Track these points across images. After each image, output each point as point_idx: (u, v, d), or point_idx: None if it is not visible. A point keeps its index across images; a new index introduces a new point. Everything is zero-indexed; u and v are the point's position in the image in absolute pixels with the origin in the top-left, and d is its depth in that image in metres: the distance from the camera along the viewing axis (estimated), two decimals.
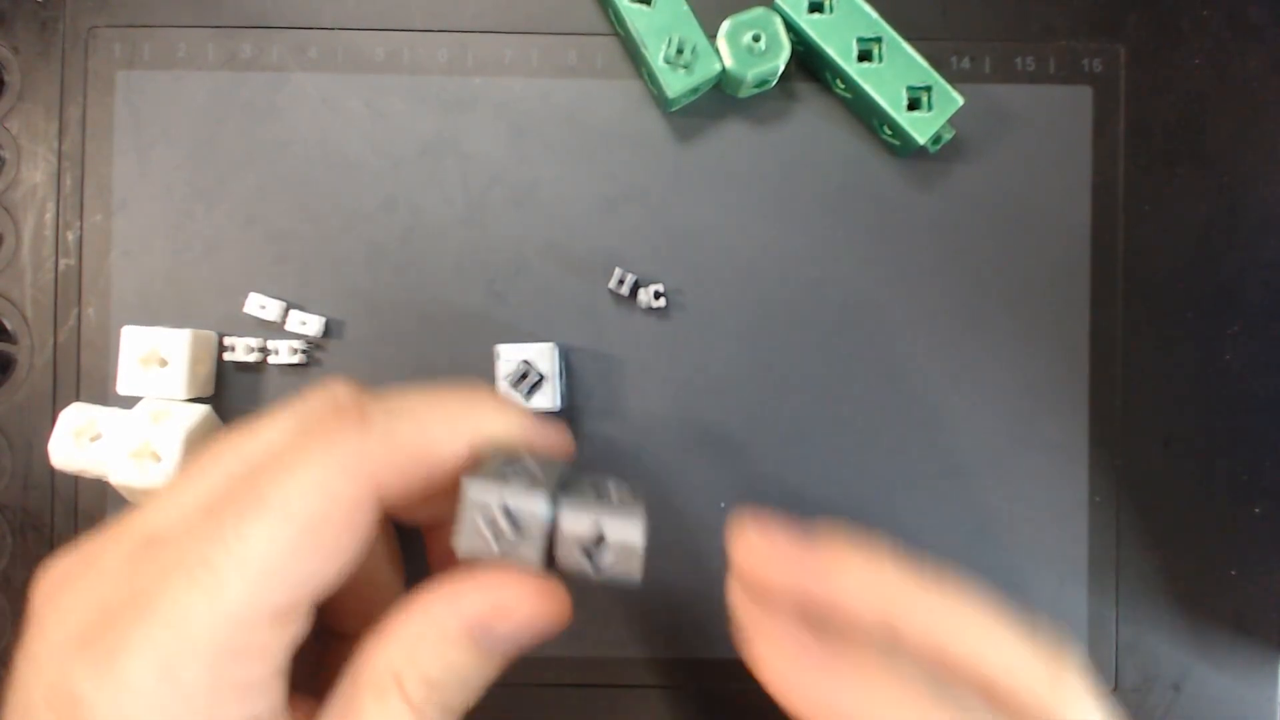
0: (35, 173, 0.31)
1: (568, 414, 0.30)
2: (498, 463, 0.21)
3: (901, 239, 0.31)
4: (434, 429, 0.21)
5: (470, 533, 0.20)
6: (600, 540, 0.20)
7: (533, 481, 0.21)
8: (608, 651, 0.30)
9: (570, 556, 0.20)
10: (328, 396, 0.21)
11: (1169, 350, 0.31)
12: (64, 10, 0.31)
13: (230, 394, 0.30)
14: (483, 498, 0.20)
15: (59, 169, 0.31)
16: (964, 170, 0.31)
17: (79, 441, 0.28)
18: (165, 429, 0.27)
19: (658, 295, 0.30)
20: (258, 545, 0.18)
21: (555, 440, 0.24)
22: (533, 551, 0.20)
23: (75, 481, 0.30)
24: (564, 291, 0.31)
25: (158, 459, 0.27)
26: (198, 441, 0.28)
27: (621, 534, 0.20)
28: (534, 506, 0.20)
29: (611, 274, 0.30)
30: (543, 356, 0.28)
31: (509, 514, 0.20)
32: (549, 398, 0.28)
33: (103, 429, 0.28)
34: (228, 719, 0.18)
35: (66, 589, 0.20)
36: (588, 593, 0.30)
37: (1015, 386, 0.31)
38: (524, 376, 0.28)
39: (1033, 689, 0.21)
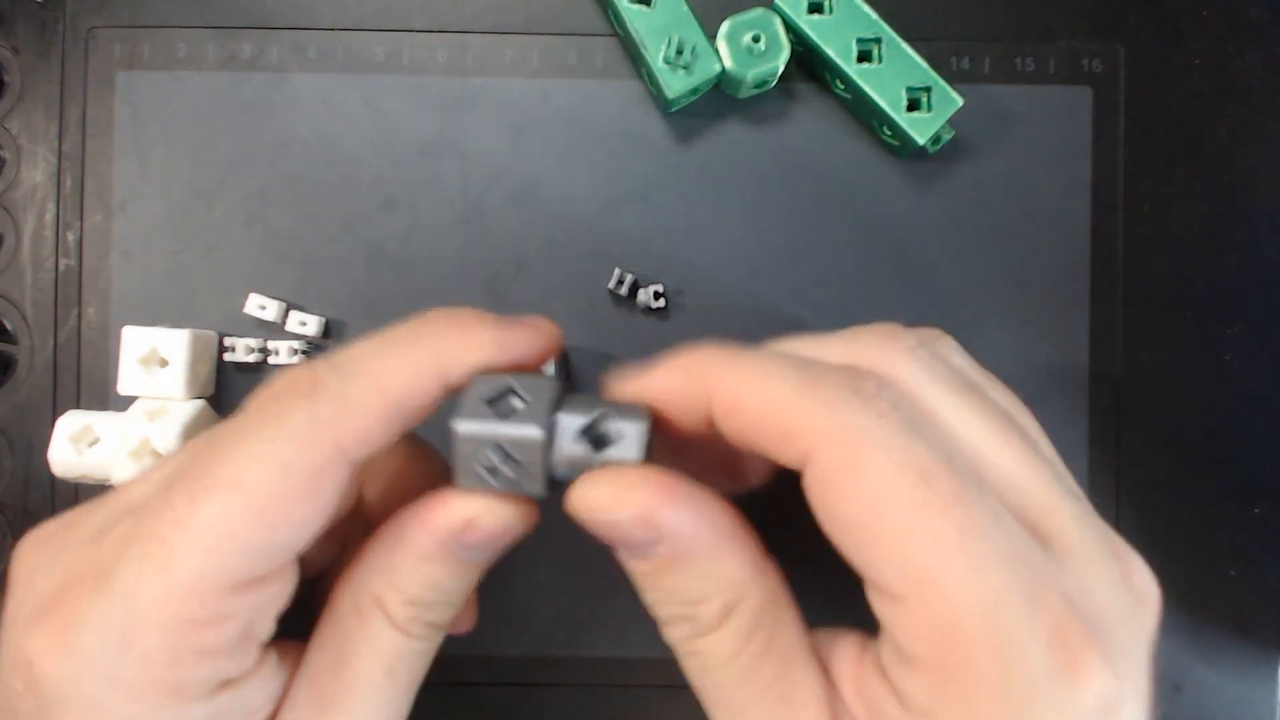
0: (35, 173, 0.31)
1: None
2: (482, 394, 0.20)
3: (901, 239, 0.31)
4: (391, 380, 0.20)
5: (468, 474, 0.20)
6: (601, 433, 0.20)
7: (523, 411, 0.20)
8: (611, 651, 0.30)
9: (567, 452, 0.20)
10: (284, 373, 0.20)
11: (1169, 350, 0.31)
12: (64, 10, 0.31)
13: (230, 394, 0.30)
14: (473, 440, 0.20)
15: (59, 169, 0.31)
16: (964, 170, 0.31)
17: (78, 447, 0.28)
18: (162, 426, 0.27)
19: (657, 295, 0.30)
20: (208, 520, 0.18)
21: (530, 344, 0.22)
22: (535, 482, 0.20)
23: (76, 483, 0.30)
24: (564, 292, 0.31)
25: (158, 456, 0.27)
26: (195, 436, 0.28)
27: (624, 419, 0.20)
28: (528, 438, 0.19)
29: (611, 274, 0.30)
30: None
31: (504, 451, 0.20)
32: None
33: (100, 433, 0.28)
34: (191, 683, 0.19)
35: (39, 555, 0.20)
36: (593, 594, 0.30)
37: (1015, 386, 0.31)
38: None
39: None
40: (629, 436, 0.20)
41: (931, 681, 0.17)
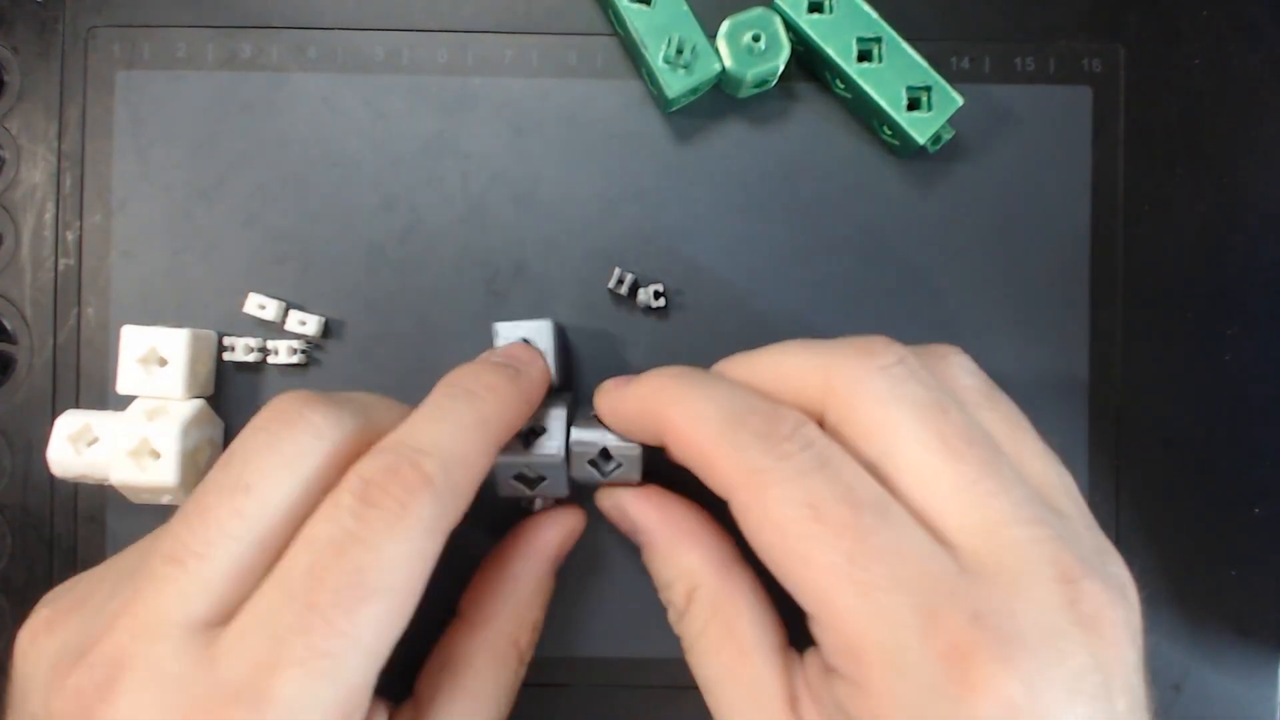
0: (35, 173, 0.31)
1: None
2: (514, 472, 0.26)
3: (901, 239, 0.31)
4: (476, 462, 0.23)
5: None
6: (606, 454, 0.26)
7: (547, 484, 0.26)
8: (612, 652, 0.30)
9: (581, 468, 0.26)
10: (377, 464, 0.21)
11: (1169, 350, 0.31)
12: (64, 10, 0.31)
13: (230, 394, 0.30)
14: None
15: (59, 169, 0.31)
16: (964, 170, 0.31)
17: (76, 447, 0.28)
18: (161, 425, 0.27)
19: (657, 295, 0.30)
20: (369, 626, 0.20)
21: (536, 388, 0.26)
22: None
23: (75, 482, 0.30)
24: (564, 292, 0.31)
25: (157, 455, 0.27)
26: (194, 436, 0.28)
27: (625, 443, 0.26)
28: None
29: (611, 274, 0.30)
30: (540, 334, 0.28)
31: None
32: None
33: (99, 432, 0.28)
34: None
35: (145, 694, 0.19)
36: (594, 595, 0.30)
37: (1014, 387, 0.30)
38: None
39: (816, 384, 0.23)
40: (628, 464, 0.26)
41: (849, 691, 0.20)
